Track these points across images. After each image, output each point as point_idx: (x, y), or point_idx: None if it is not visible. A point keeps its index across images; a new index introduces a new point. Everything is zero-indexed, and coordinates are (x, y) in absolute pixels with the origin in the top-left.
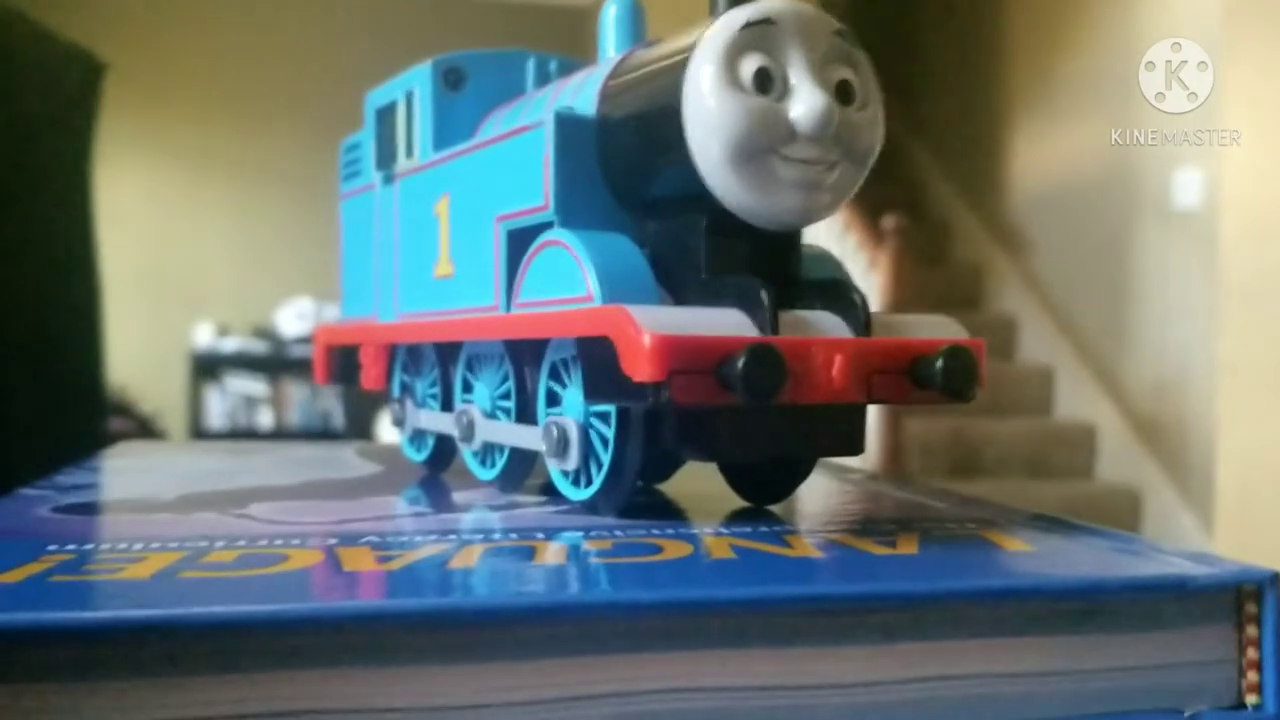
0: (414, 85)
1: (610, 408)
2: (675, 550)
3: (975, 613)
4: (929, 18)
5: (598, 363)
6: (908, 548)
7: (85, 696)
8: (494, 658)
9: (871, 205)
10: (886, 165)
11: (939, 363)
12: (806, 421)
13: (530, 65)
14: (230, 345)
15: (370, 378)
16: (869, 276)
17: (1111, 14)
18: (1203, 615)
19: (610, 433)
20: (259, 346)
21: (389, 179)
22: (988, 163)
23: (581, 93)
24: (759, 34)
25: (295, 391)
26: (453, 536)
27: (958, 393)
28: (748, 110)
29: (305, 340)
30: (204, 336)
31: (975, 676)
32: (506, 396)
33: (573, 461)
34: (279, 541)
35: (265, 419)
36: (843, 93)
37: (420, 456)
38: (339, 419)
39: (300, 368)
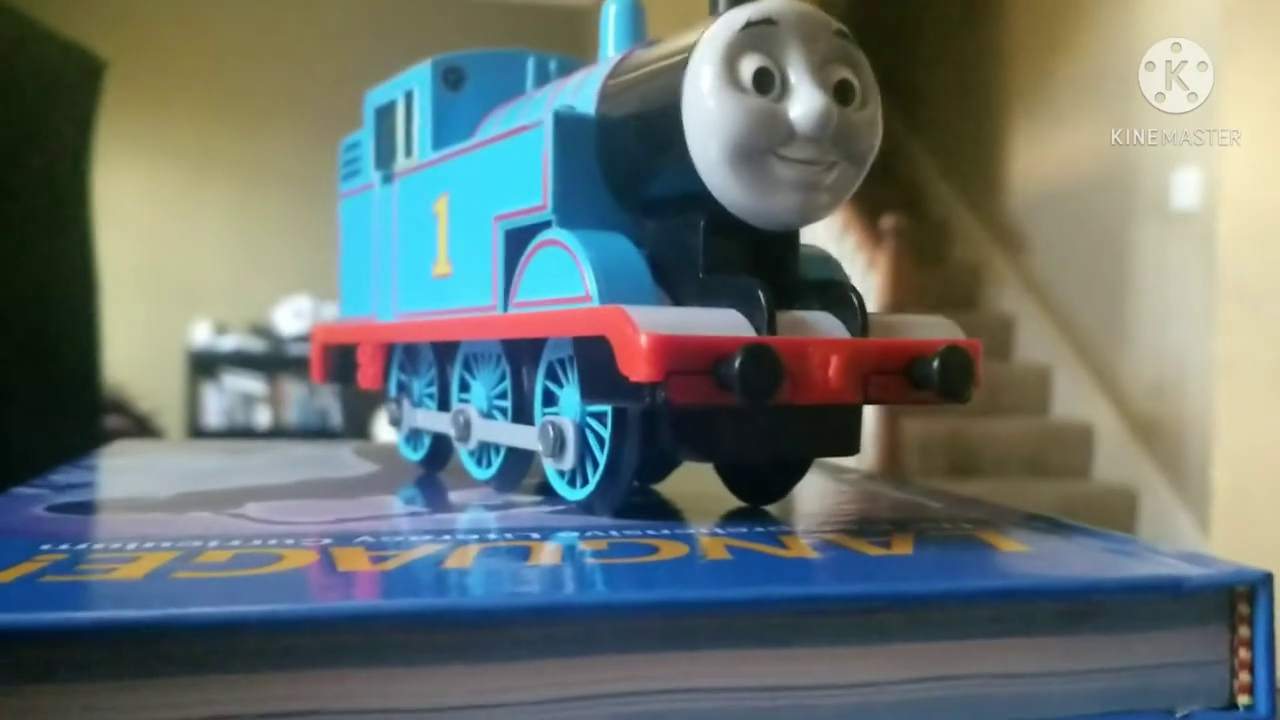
0: (413, 85)
1: (607, 408)
2: (671, 551)
3: (970, 613)
4: (929, 17)
5: (595, 363)
6: (903, 548)
7: (77, 697)
8: (489, 658)
9: (870, 205)
10: (885, 165)
11: (935, 363)
12: (803, 422)
13: (530, 65)
14: (228, 343)
15: (367, 377)
16: (868, 276)
17: (1111, 14)
18: (1196, 616)
19: (607, 433)
20: (257, 345)
21: (388, 178)
22: (986, 163)
23: (581, 92)
24: (759, 34)
25: (293, 390)
26: (448, 536)
27: (954, 393)
28: (747, 110)
29: (303, 338)
30: (201, 334)
31: (970, 677)
32: (503, 396)
33: (569, 461)
34: (273, 541)
35: (263, 417)
36: (842, 93)
37: (417, 456)
38: (337, 417)
39: (298, 366)
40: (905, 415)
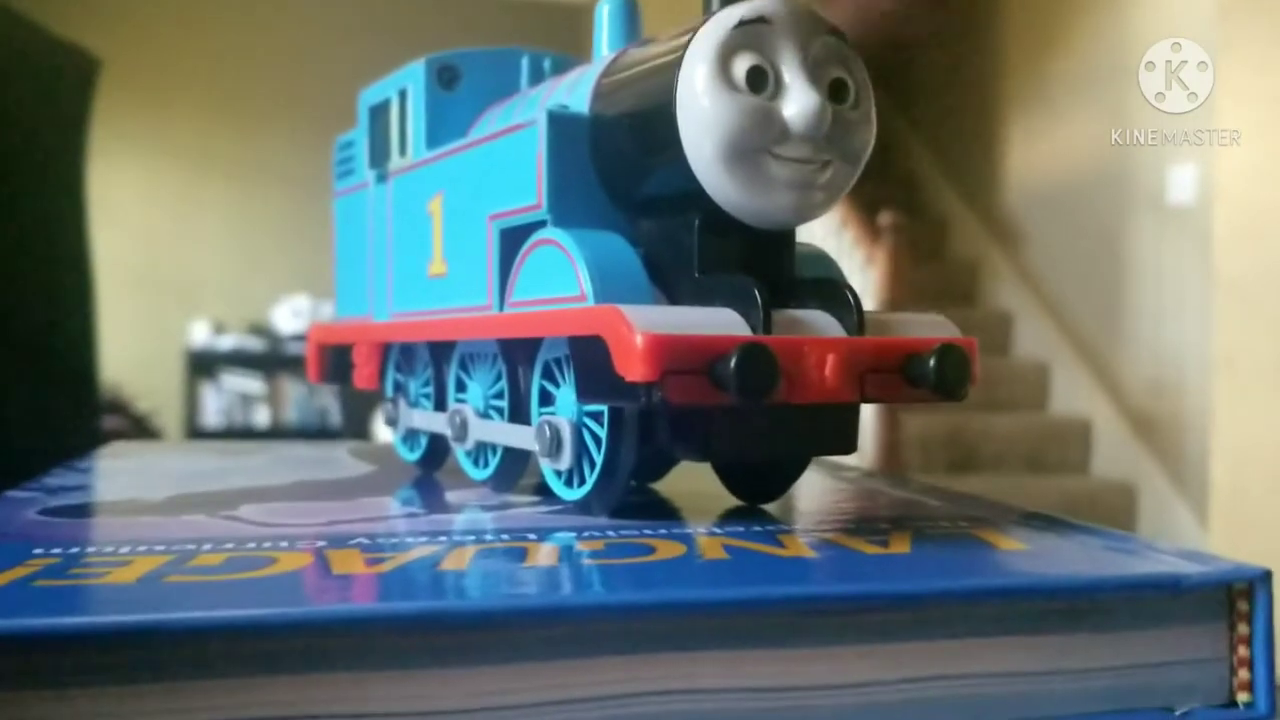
0: (407, 83)
1: (603, 407)
2: (668, 550)
3: (968, 612)
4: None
5: (590, 362)
6: (900, 547)
7: (70, 703)
8: (486, 661)
9: (868, 201)
10: (883, 162)
11: (931, 361)
12: (800, 421)
13: (524, 63)
14: (226, 342)
15: (363, 377)
16: (865, 272)
17: (1107, 11)
18: (1194, 613)
19: (603, 432)
20: (255, 344)
21: (382, 177)
22: (984, 159)
23: (575, 91)
24: (752, 33)
25: (291, 389)
26: (444, 538)
27: (951, 391)
28: (741, 109)
29: (301, 337)
30: (200, 334)
31: (969, 676)
32: (500, 396)
33: (566, 461)
34: (267, 544)
35: (261, 417)
36: (836, 91)
37: (413, 456)
38: (336, 417)
39: (297, 365)
40: (904, 412)
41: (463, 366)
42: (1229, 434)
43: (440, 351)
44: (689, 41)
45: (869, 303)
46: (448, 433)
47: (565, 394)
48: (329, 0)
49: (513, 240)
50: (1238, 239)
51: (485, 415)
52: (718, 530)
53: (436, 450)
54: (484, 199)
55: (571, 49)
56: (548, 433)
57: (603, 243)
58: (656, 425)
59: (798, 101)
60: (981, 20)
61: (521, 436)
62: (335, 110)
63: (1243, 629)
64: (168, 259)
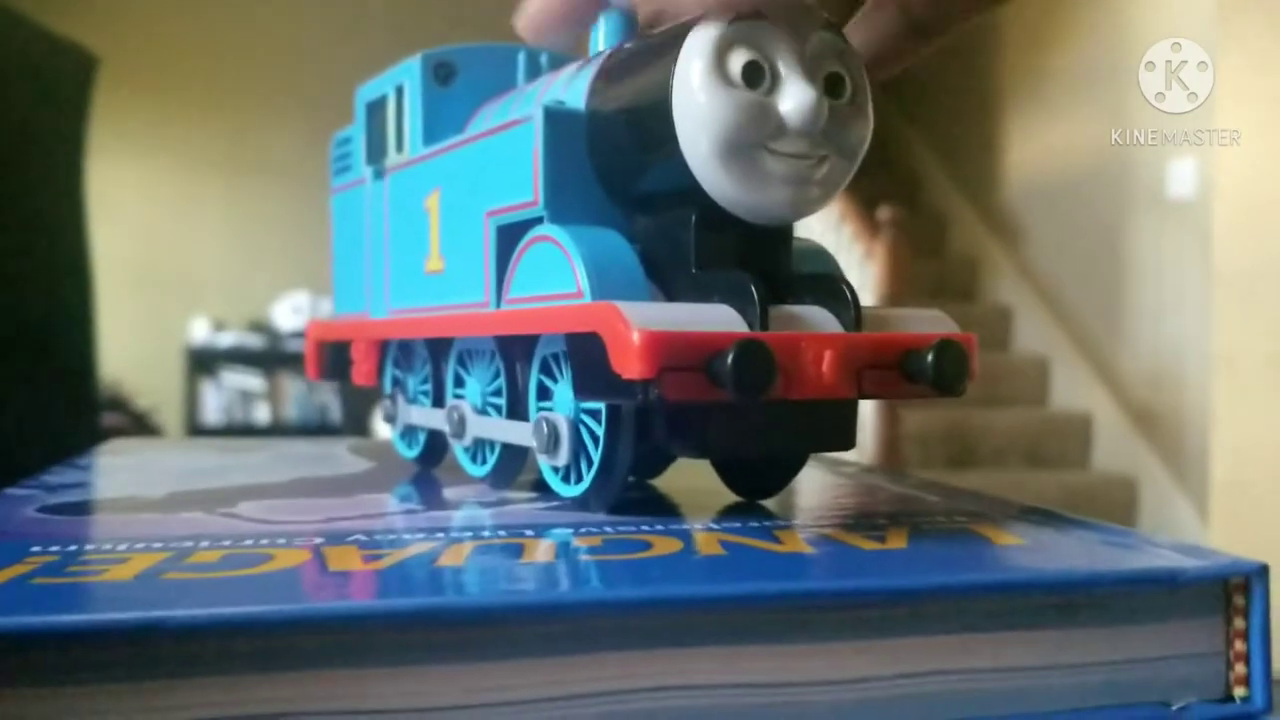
0: (403, 80)
1: (601, 404)
2: (665, 546)
3: (964, 607)
4: None
5: (587, 359)
6: (897, 542)
7: (66, 700)
8: (482, 657)
9: (867, 197)
10: (882, 157)
11: (929, 357)
12: (797, 417)
13: (521, 59)
14: (226, 340)
15: (361, 373)
16: (865, 268)
17: (1106, 6)
18: (1191, 608)
19: (601, 429)
20: (255, 341)
21: (379, 174)
22: (983, 154)
23: (572, 86)
24: (748, 28)
25: (292, 386)
26: (441, 534)
27: (949, 387)
28: (737, 105)
29: (301, 334)
30: (200, 331)
31: (966, 671)
32: (498, 393)
33: (563, 457)
34: (265, 541)
35: (262, 414)
36: (832, 86)
37: (412, 453)
38: (336, 413)
39: (297, 362)
40: (904, 407)
41: (461, 363)
42: (1229, 428)
43: (438, 348)
44: (684, 37)
45: (868, 298)
46: (446, 429)
47: (563, 390)
48: None
49: (509, 237)
50: (1237, 234)
51: (483, 412)
52: (715, 526)
53: (435, 447)
54: (480, 195)
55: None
56: (545, 429)
57: (599, 239)
58: (654, 422)
59: (794, 97)
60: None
61: (519, 433)
62: (335, 106)
63: (1239, 623)
64: (167, 256)
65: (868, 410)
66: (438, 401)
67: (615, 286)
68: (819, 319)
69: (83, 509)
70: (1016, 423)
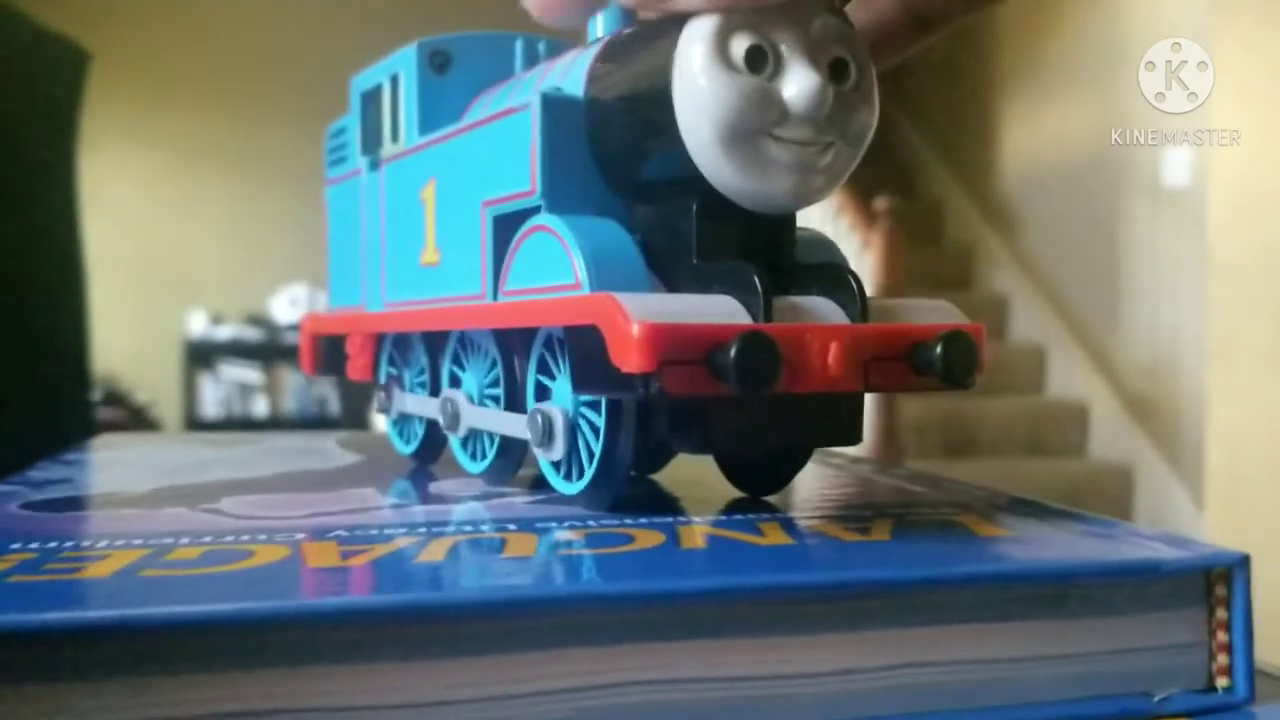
0: (399, 68)
1: (601, 398)
2: (647, 540)
3: (944, 599)
4: None
5: (586, 353)
6: (881, 534)
7: (37, 700)
8: (460, 652)
9: (863, 187)
10: (878, 147)
11: (938, 349)
12: (802, 411)
13: (518, 47)
14: (224, 333)
15: (357, 368)
16: (862, 258)
17: None
18: (1173, 599)
19: (601, 423)
20: (253, 334)
21: (375, 164)
22: (979, 143)
23: (570, 73)
24: (751, 12)
25: (290, 379)
26: (423, 529)
27: (957, 380)
28: (739, 90)
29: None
30: (198, 324)
31: (947, 663)
32: (495, 385)
33: (558, 451)
34: (245, 537)
35: (260, 407)
36: (837, 71)
37: (409, 449)
38: (335, 405)
39: (295, 355)
40: (901, 396)
41: (457, 356)
42: (1224, 416)
43: (434, 341)
44: (686, 22)
45: (866, 288)
46: (440, 420)
47: (561, 384)
48: None
49: (506, 227)
50: (1233, 223)
51: (481, 405)
52: (698, 519)
53: (432, 442)
54: (477, 185)
55: (566, 33)
56: (540, 421)
57: (598, 229)
58: (655, 416)
59: (798, 82)
60: None
61: (513, 424)
62: (333, 97)
63: (1221, 614)
64: (164, 250)
65: (864, 400)
66: (434, 396)
67: (614, 277)
68: (824, 310)
69: (66, 505)
70: (1013, 412)
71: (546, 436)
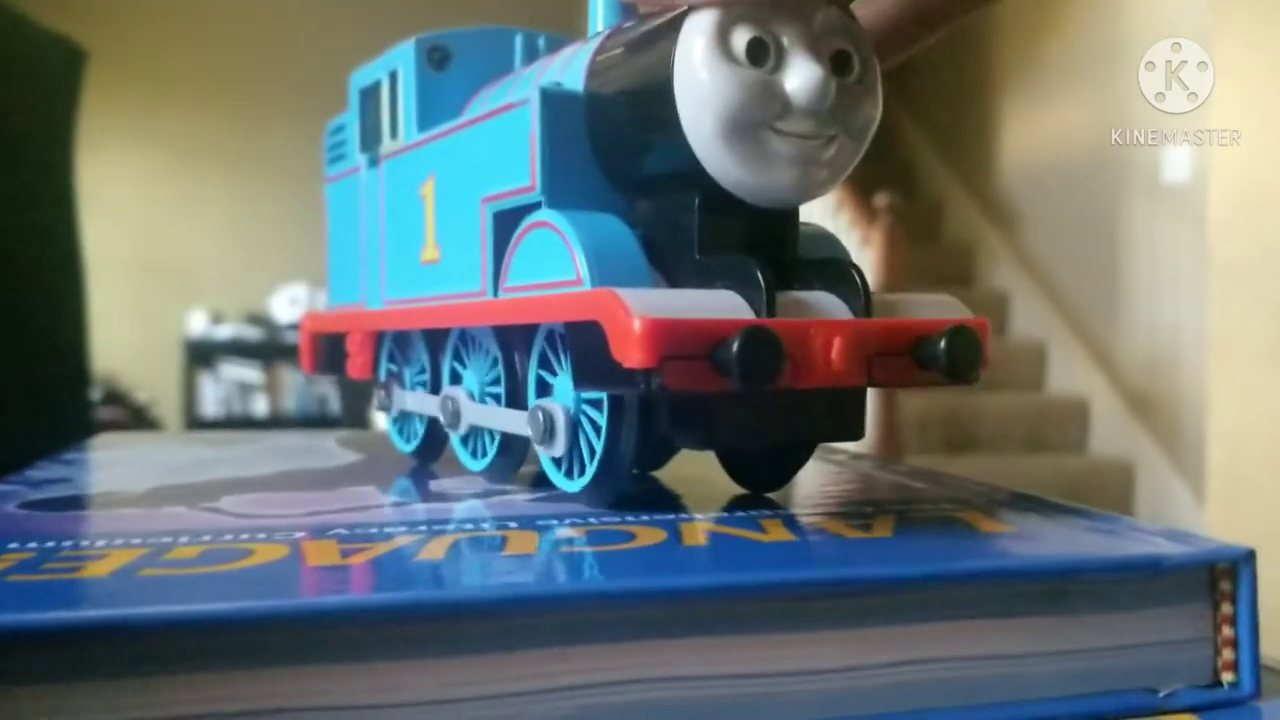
0: (397, 65)
1: (602, 394)
2: (649, 537)
3: (947, 595)
4: None
5: (587, 348)
6: (883, 531)
7: (34, 700)
8: (460, 651)
9: (863, 183)
10: (878, 143)
11: (942, 344)
12: (805, 407)
13: (518, 42)
14: (224, 332)
15: (357, 366)
16: (862, 254)
17: None
18: (1177, 594)
19: (603, 420)
20: (253, 333)
21: (374, 161)
22: (979, 140)
23: (569, 68)
24: (752, 5)
25: (290, 378)
26: (424, 527)
27: (961, 375)
28: (741, 83)
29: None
30: (198, 323)
31: (951, 659)
32: (496, 382)
33: (560, 448)
34: (245, 536)
35: (260, 406)
36: (839, 64)
37: (409, 447)
38: (335, 405)
39: (295, 354)
40: (902, 392)
41: (458, 354)
42: (1225, 412)
43: (435, 339)
44: (686, 14)
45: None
46: (440, 417)
47: (563, 381)
48: None
49: (507, 223)
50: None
51: (482, 403)
52: (700, 516)
53: (433, 440)
54: (477, 181)
55: (566, 29)
56: (541, 418)
57: (599, 224)
58: (657, 413)
59: (800, 74)
60: None
61: (514, 421)
62: (332, 96)
63: (1226, 609)
64: (164, 249)
65: (867, 395)
66: (435, 393)
67: (616, 273)
68: (828, 305)
69: (64, 505)
70: (1014, 408)
71: (548, 433)
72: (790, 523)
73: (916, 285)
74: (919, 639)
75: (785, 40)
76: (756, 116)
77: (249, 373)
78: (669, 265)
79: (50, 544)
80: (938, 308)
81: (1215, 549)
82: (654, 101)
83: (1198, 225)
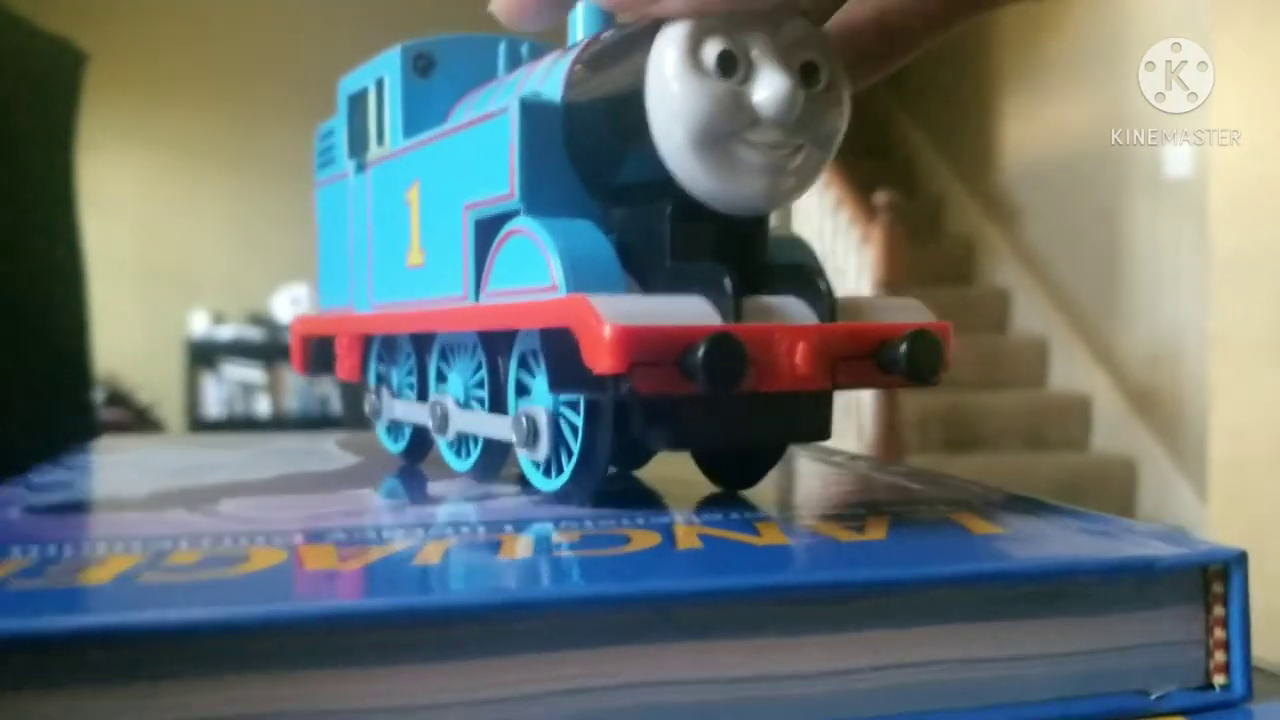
0: (383, 72)
1: (579, 397)
2: (644, 541)
3: (939, 598)
4: None
5: (561, 353)
6: (877, 533)
7: (36, 706)
8: (456, 656)
9: (864, 181)
10: (878, 141)
11: (903, 348)
12: (771, 409)
13: (501, 49)
14: (226, 333)
15: (345, 368)
16: (861, 251)
17: None
18: (1169, 596)
19: (580, 421)
20: (255, 333)
21: (361, 167)
22: (979, 137)
23: (549, 77)
24: (722, 17)
25: (292, 378)
26: (421, 531)
27: (922, 377)
28: (711, 94)
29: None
30: (199, 324)
31: (943, 662)
32: (481, 385)
33: (543, 452)
34: (243, 540)
35: (263, 406)
36: (807, 75)
37: (397, 447)
38: (337, 405)
39: None
40: (902, 392)
41: (443, 357)
42: (1227, 408)
43: (421, 343)
44: (659, 26)
45: (865, 282)
46: (429, 424)
47: (541, 384)
48: None
49: (488, 229)
50: (1233, 214)
51: (467, 405)
52: (695, 519)
53: (420, 441)
54: (459, 188)
55: (550, 35)
56: (524, 423)
57: (575, 232)
58: (630, 415)
59: (768, 86)
60: None
61: (499, 427)
62: (331, 97)
63: (1218, 611)
64: (166, 250)
65: (866, 395)
66: (422, 396)
67: (590, 279)
68: (793, 310)
69: (65, 509)
70: (1016, 405)
71: (531, 438)
72: (784, 526)
73: (917, 282)
74: (912, 642)
75: (754, 52)
76: (726, 128)
77: (251, 373)
78: (643, 270)
79: (51, 549)
80: (901, 312)
81: (1208, 551)
82: (627, 112)
83: (1199, 221)
